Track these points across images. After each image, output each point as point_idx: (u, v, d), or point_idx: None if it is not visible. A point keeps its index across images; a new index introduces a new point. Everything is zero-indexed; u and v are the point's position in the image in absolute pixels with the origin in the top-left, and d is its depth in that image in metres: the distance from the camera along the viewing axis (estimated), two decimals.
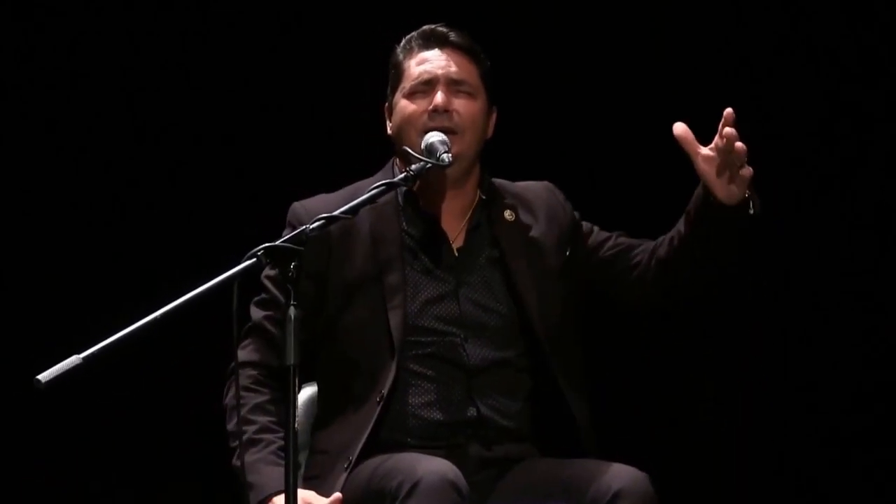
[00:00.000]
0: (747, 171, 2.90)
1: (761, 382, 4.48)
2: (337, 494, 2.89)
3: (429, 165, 3.00)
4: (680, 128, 2.91)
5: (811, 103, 4.39)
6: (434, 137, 3.06)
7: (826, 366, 4.44)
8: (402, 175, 2.99)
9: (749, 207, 2.93)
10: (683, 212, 3.04)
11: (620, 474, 2.90)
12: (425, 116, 3.10)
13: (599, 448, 3.11)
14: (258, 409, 3.02)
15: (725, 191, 2.90)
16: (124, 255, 4.44)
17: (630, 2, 4.44)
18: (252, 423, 3.00)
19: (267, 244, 2.69)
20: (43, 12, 4.44)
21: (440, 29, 3.18)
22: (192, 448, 4.39)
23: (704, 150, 2.90)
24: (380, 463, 2.90)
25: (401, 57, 3.18)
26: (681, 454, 4.40)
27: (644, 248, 3.15)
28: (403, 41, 3.20)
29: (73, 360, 2.51)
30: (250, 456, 2.96)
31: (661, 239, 3.12)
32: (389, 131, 3.19)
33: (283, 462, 2.79)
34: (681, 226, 3.04)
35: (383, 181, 2.96)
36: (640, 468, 2.94)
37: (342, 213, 2.85)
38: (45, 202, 4.43)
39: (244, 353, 3.08)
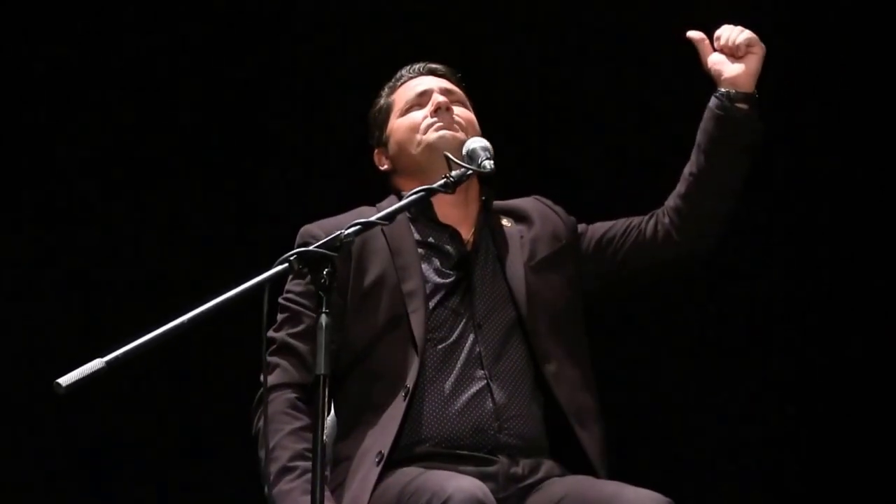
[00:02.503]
0: (756, 45, 3.11)
1: (781, 400, 4.47)
2: None
3: (469, 172, 2.96)
4: (695, 34, 3.16)
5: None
6: (476, 143, 3.04)
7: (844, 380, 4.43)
8: (442, 181, 2.91)
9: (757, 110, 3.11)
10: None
11: (645, 500, 2.85)
12: (427, 118, 3.18)
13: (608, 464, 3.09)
14: (293, 434, 2.97)
15: (740, 69, 3.10)
16: (124, 255, 4.46)
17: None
18: (286, 448, 2.94)
19: (300, 249, 2.65)
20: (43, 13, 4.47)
21: (425, 63, 3.31)
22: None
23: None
24: (409, 481, 2.85)
25: (385, 97, 3.30)
26: (702, 478, 4.40)
27: (651, 213, 3.23)
28: (386, 87, 3.31)
29: (96, 363, 2.44)
30: (285, 484, 2.90)
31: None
32: (385, 166, 3.26)
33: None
34: (693, 155, 3.15)
35: (423, 187, 2.90)
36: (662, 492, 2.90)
37: (379, 218, 2.80)
38: (52, 205, 4.45)
39: (275, 376, 3.03)
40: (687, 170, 3.16)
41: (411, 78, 3.29)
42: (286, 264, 2.61)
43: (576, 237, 3.25)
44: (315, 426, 2.54)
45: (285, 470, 2.91)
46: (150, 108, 4.48)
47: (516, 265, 3.14)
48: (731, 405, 4.47)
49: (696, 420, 4.47)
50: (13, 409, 4.31)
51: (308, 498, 2.74)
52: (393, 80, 3.32)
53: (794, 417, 4.45)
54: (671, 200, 3.19)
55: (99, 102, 4.46)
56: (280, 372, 3.03)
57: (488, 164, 2.97)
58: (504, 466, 2.97)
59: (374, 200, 3.22)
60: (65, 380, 2.40)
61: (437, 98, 3.19)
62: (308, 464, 2.89)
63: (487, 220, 3.21)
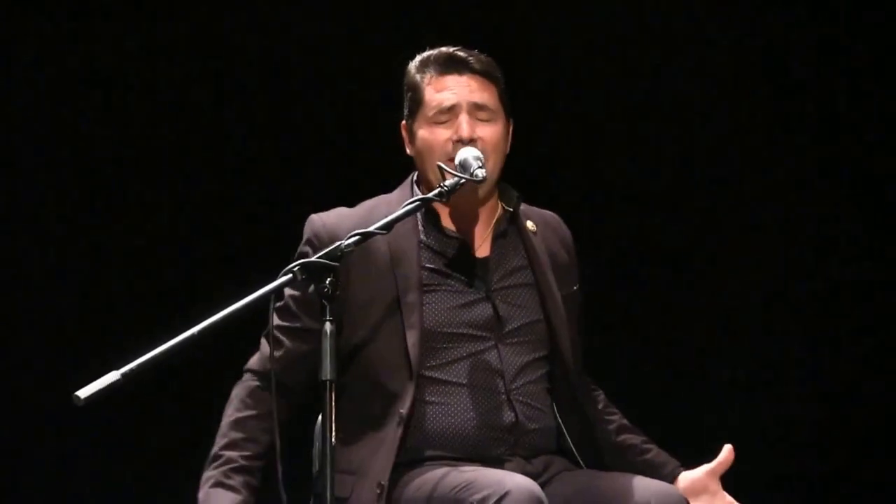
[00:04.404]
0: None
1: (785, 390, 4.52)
2: None
3: (462, 181, 3.00)
4: (728, 451, 3.11)
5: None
6: (467, 153, 3.05)
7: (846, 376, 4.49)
8: (437, 191, 2.99)
9: None
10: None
11: (654, 488, 2.93)
12: (449, 145, 3.10)
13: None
14: (236, 423, 3.03)
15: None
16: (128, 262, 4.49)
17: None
18: (224, 436, 3.03)
19: (303, 260, 2.73)
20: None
21: (458, 54, 3.16)
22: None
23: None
24: (441, 477, 2.90)
25: (418, 79, 3.16)
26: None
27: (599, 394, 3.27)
28: (418, 61, 3.18)
29: (112, 376, 2.53)
30: (207, 471, 3.00)
31: (611, 417, 3.23)
32: (410, 152, 3.20)
33: (229, 482, 2.95)
34: (631, 450, 3.19)
35: (417, 197, 2.98)
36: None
37: (377, 228, 2.85)
38: (61, 212, 4.48)
39: (253, 360, 3.10)
40: (627, 436, 3.20)
41: (445, 73, 3.13)
42: (290, 275, 2.70)
43: (581, 281, 3.26)
44: (325, 427, 2.64)
45: (214, 457, 3.01)
46: (156, 115, 4.49)
47: (549, 282, 3.15)
48: (733, 394, 4.52)
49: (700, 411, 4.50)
50: (28, 419, 4.38)
51: (216, 490, 2.94)
52: (426, 59, 3.16)
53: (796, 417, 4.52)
54: (600, 409, 3.22)
55: (104, 107, 4.49)
56: (258, 358, 3.08)
57: (480, 174, 2.99)
58: (518, 465, 3.02)
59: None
60: (83, 392, 2.50)
61: (462, 129, 3.08)
62: (232, 453, 2.98)
63: (513, 230, 3.19)
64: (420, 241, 3.12)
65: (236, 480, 2.97)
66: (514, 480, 2.80)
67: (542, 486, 3.00)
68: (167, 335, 2.61)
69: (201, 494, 2.97)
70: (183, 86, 4.51)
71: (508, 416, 3.05)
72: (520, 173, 3.24)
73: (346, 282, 3.03)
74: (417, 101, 3.14)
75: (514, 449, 3.04)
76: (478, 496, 2.78)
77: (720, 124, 4.52)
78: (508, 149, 3.18)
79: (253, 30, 4.53)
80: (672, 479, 3.11)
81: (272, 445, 2.91)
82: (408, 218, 3.03)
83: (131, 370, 2.54)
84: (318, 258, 2.73)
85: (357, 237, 2.80)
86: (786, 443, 4.49)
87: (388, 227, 2.88)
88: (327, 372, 2.65)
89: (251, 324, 2.84)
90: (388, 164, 3.28)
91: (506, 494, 2.75)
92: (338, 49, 4.53)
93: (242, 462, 2.99)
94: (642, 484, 2.94)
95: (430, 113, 3.12)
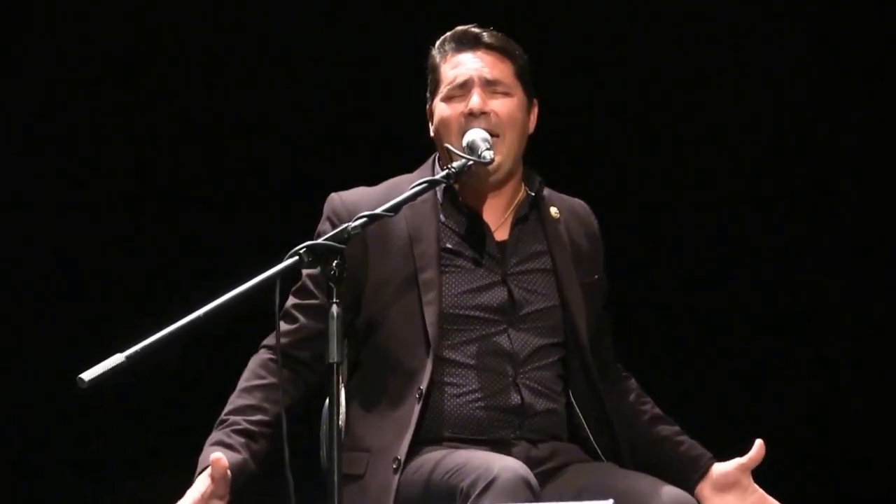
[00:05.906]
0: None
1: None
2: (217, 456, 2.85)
3: (470, 163, 3.00)
4: (759, 446, 3.09)
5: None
6: (475, 135, 3.06)
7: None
8: (444, 172, 2.98)
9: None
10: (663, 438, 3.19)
11: (670, 495, 2.93)
12: (462, 119, 3.10)
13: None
14: (243, 391, 3.04)
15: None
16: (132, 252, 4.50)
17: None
18: (231, 403, 3.03)
19: (309, 242, 2.71)
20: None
21: (472, 30, 3.17)
22: None
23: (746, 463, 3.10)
24: (438, 460, 2.90)
25: (437, 59, 3.18)
26: None
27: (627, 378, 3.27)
28: (438, 43, 3.20)
29: (117, 358, 2.51)
30: (211, 436, 2.99)
31: (641, 407, 3.22)
32: (432, 133, 3.20)
33: (228, 441, 2.93)
34: (657, 437, 3.19)
35: (425, 179, 2.96)
36: None
37: (384, 210, 2.84)
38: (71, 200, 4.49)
39: (270, 337, 3.09)
40: (652, 428, 3.19)
41: (459, 51, 3.15)
42: (296, 257, 2.68)
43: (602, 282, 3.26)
44: (332, 409, 2.62)
45: (219, 422, 3.00)
46: (159, 105, 4.51)
47: (569, 270, 3.15)
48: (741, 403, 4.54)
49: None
50: (33, 406, 4.39)
51: (212, 448, 2.90)
52: (444, 38, 3.19)
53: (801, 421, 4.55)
54: (632, 400, 3.22)
55: (110, 105, 4.50)
56: (272, 336, 3.07)
57: (488, 155, 3.00)
58: (524, 449, 3.02)
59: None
60: (87, 374, 2.48)
61: (473, 102, 3.09)
62: (236, 417, 2.97)
63: (534, 215, 3.18)
64: (440, 222, 3.12)
65: (236, 440, 2.95)
66: (503, 464, 2.79)
67: (549, 472, 3.02)
68: (173, 317, 2.59)
69: (202, 455, 2.94)
70: (188, 74, 4.53)
71: (514, 399, 3.04)
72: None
73: (365, 260, 3.07)
74: (436, 81, 3.17)
75: (519, 432, 3.04)
76: (467, 481, 2.78)
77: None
78: (532, 129, 3.19)
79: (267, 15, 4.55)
80: (705, 470, 3.11)
81: (279, 417, 2.91)
82: (428, 198, 3.08)
83: (136, 352, 2.52)
84: (324, 240, 2.71)
85: (364, 219, 2.79)
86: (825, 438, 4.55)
87: (395, 208, 2.87)
88: (334, 354, 2.63)
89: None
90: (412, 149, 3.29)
91: (494, 479, 2.74)
92: (347, 39, 4.55)
93: (246, 425, 2.98)
94: (661, 490, 2.92)
95: (445, 90, 3.13)
